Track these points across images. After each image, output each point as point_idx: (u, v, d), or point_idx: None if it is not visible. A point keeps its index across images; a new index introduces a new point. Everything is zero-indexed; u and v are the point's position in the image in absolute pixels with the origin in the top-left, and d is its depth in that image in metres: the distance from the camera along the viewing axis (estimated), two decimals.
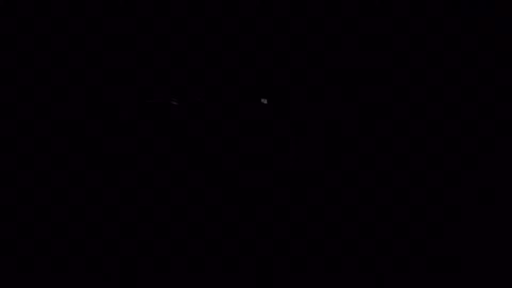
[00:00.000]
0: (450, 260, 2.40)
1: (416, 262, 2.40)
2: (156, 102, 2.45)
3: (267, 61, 2.46)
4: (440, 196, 2.44)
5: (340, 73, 2.45)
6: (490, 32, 2.39)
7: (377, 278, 2.40)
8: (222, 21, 2.44)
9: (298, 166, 2.45)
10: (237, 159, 2.45)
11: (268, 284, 2.38)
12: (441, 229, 2.42)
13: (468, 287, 2.26)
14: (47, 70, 2.44)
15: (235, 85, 2.46)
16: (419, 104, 2.45)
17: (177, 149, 2.45)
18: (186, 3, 2.42)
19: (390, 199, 2.46)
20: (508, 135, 2.36)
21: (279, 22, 2.43)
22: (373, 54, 2.44)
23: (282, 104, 2.46)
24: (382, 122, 2.46)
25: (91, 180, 2.43)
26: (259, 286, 2.38)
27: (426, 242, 2.41)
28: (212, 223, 2.43)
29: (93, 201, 2.42)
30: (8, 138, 2.43)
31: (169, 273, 2.39)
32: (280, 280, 2.38)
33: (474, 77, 2.38)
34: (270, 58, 2.45)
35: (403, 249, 2.41)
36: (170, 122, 2.45)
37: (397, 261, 2.40)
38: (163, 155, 2.45)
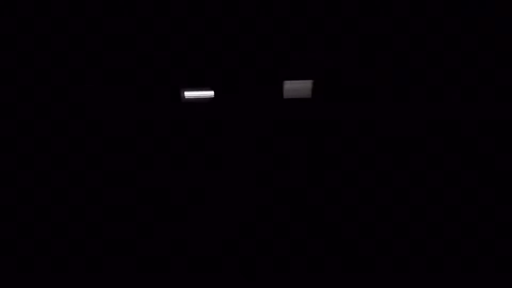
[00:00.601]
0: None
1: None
2: (155, 102, 2.45)
3: (267, 61, 2.46)
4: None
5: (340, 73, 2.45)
6: (490, 32, 2.40)
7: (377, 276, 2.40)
8: (222, 21, 2.44)
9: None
10: (237, 158, 2.46)
11: (267, 284, 2.38)
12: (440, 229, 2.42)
13: None
14: (46, 70, 2.44)
15: (235, 85, 2.46)
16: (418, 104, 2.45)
17: (177, 149, 2.45)
18: (186, 3, 2.42)
19: (390, 198, 2.46)
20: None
21: (279, 22, 2.43)
22: (373, 54, 2.44)
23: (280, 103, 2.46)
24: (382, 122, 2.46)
25: (90, 180, 2.43)
26: (258, 285, 2.38)
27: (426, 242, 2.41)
28: (212, 222, 2.43)
29: (92, 201, 2.42)
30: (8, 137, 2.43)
31: (169, 273, 2.39)
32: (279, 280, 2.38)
33: (474, 77, 2.39)
34: (270, 58, 2.45)
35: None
36: (169, 122, 2.45)
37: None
38: (164, 155, 2.45)
